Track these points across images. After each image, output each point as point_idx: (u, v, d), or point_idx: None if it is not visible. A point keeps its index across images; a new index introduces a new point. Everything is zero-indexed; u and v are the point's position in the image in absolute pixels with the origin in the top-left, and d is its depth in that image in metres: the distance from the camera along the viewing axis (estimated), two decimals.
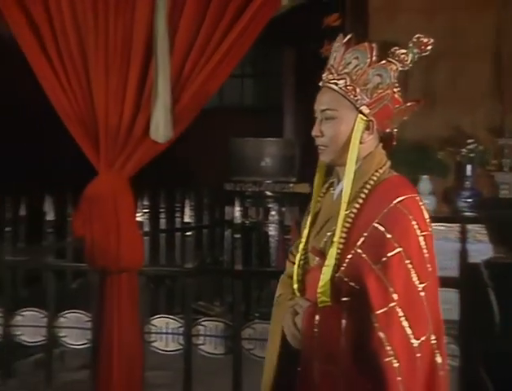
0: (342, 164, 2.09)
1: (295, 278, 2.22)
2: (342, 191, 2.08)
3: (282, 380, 2.19)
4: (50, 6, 3.05)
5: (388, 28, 5.77)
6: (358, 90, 2.05)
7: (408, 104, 2.12)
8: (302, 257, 2.19)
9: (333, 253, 2.00)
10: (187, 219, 4.03)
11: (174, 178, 6.27)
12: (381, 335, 1.90)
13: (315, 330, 1.99)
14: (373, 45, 2.06)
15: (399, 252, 1.93)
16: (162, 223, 5.51)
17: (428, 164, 5.84)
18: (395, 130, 2.18)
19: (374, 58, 2.06)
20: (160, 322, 3.58)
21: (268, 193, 6.19)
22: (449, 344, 2.93)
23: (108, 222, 2.98)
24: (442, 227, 4.85)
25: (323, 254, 2.06)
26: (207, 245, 5.93)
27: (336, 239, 2.01)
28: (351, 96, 2.05)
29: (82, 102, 3.05)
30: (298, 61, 7.20)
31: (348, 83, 2.06)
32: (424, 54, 2.12)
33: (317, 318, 2.00)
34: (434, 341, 2.01)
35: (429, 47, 2.12)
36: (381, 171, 2.06)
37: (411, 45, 2.12)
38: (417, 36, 2.12)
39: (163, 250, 5.38)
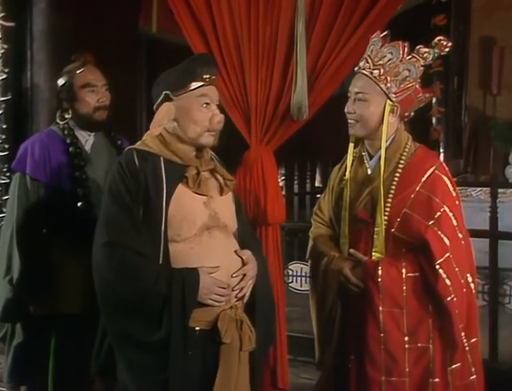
0: (372, 138, 2.31)
1: (344, 235, 2.39)
2: (377, 164, 2.25)
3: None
4: (215, 16, 3.43)
5: (486, 25, 6.03)
6: (389, 79, 2.26)
7: (427, 95, 2.33)
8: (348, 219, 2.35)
9: (382, 219, 2.22)
10: (317, 184, 4.58)
11: (306, 152, 6.60)
12: (445, 277, 2.15)
13: (379, 280, 2.22)
14: (406, 44, 2.29)
15: (445, 210, 2.19)
16: (295, 188, 6.27)
17: None
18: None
19: (405, 55, 2.27)
20: (295, 267, 4.09)
21: None
22: None
23: (257, 186, 3.31)
24: None
25: (370, 218, 2.28)
26: None
27: (382, 206, 2.20)
28: (383, 84, 2.27)
29: (238, 89, 3.40)
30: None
31: (382, 73, 2.26)
32: (442, 53, 2.31)
33: (380, 272, 2.22)
34: (471, 279, 2.24)
35: (447, 49, 2.31)
36: (409, 145, 2.29)
37: (433, 45, 2.32)
38: (438, 38, 2.32)
39: (296, 209, 6.05)
